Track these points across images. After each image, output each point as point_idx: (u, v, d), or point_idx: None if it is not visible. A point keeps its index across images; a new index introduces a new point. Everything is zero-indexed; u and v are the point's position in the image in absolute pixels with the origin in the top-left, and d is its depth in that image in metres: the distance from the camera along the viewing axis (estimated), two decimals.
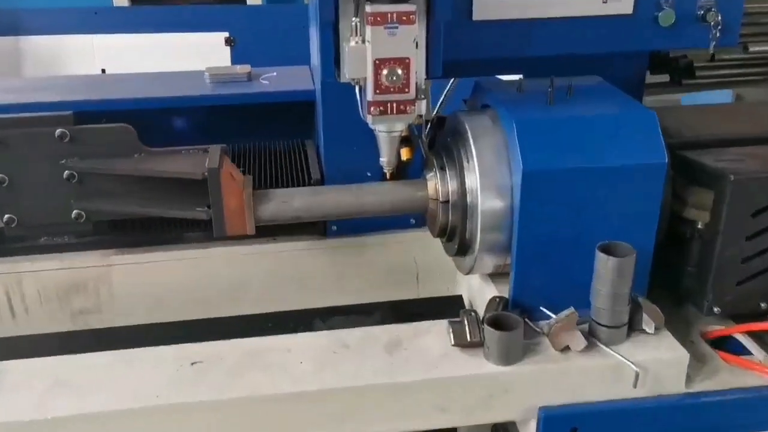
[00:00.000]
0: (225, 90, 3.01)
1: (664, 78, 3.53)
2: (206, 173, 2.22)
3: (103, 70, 6.51)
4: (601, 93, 2.40)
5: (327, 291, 2.80)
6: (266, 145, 3.06)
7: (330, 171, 2.74)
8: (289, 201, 2.34)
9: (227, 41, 6.46)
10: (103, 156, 2.36)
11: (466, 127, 2.30)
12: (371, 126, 2.22)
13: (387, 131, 2.26)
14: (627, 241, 2.12)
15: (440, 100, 2.85)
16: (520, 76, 3.03)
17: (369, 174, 2.72)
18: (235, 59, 6.18)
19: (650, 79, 3.26)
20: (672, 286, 2.41)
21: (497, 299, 2.24)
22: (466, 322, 2.13)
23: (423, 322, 2.28)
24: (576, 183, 2.13)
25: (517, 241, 2.18)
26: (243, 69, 3.14)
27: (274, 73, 3.17)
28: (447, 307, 2.71)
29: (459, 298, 2.77)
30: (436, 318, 2.32)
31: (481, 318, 2.15)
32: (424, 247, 2.80)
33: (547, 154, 2.13)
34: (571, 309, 2.13)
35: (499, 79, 2.58)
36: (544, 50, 2.57)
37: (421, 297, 2.84)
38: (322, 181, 2.73)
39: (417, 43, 2.09)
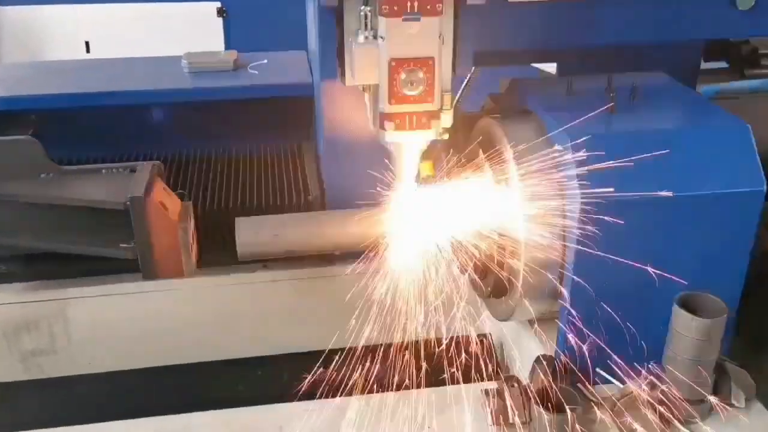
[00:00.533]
0: (206, 82, 2.53)
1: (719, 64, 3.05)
2: (128, 202, 1.74)
3: (87, 44, 6.05)
4: (674, 96, 1.92)
5: (330, 328, 2.34)
6: (254, 150, 2.58)
7: (332, 186, 2.26)
8: (260, 233, 1.85)
9: (219, 12, 5.94)
10: (2, 177, 1.88)
11: (504, 139, 1.82)
12: (384, 144, 1.75)
13: (404, 150, 1.78)
14: (710, 289, 1.66)
15: (457, 95, 2.36)
16: (553, 65, 2.59)
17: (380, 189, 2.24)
18: (228, 32, 5.61)
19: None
20: (756, 335, 1.95)
21: (544, 360, 1.78)
22: (508, 395, 1.67)
23: (449, 388, 1.82)
24: (648, 215, 1.66)
25: (571, 283, 1.71)
26: (228, 56, 2.64)
27: (265, 61, 2.67)
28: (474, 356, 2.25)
29: (486, 339, 2.31)
30: (462, 372, 1.88)
31: (526, 389, 1.69)
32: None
33: (612, 178, 1.65)
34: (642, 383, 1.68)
35: (541, 76, 2.08)
36: (596, 38, 2.09)
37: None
38: (321, 198, 2.25)
39: (443, 38, 1.60)
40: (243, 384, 2.18)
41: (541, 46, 2.19)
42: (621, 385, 1.78)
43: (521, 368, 2.16)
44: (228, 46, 4.13)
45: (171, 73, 2.56)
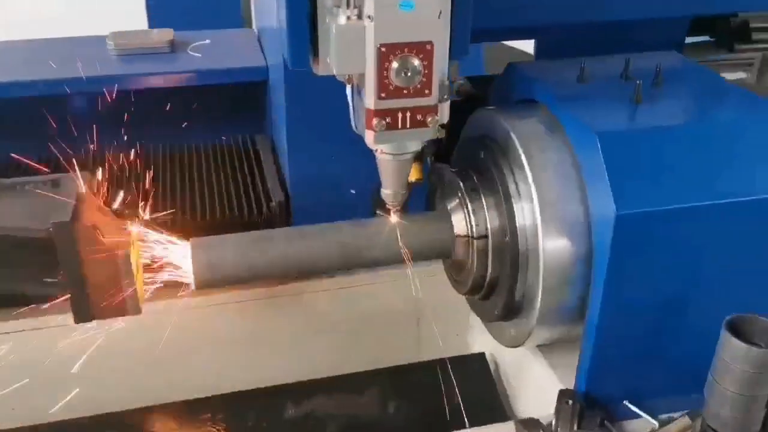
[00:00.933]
0: (137, 67, 2.14)
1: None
2: (51, 229, 1.38)
3: None
4: (699, 81, 1.65)
5: (296, 356, 2.02)
6: (200, 147, 2.20)
7: (298, 188, 1.92)
8: (222, 261, 1.51)
9: None
10: None
11: (512, 135, 1.53)
12: (371, 146, 1.43)
13: (395, 153, 1.47)
14: (762, 311, 1.42)
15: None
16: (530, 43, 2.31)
17: (353, 191, 1.93)
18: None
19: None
20: None
21: (569, 399, 1.51)
22: None
23: None
24: (692, 228, 1.40)
25: (601, 307, 1.45)
26: (163, 35, 2.25)
27: (207, 41, 2.29)
28: (472, 379, 1.98)
29: (482, 361, 2.04)
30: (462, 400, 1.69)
31: None
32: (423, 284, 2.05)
33: (650, 185, 1.39)
34: (685, 419, 1.43)
35: (544, 61, 1.78)
36: (583, 15, 1.81)
37: (426, 356, 2.09)
38: (286, 204, 1.91)
39: (441, 12, 1.30)
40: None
41: (523, 24, 1.90)
42: (653, 421, 1.54)
43: (522, 396, 1.92)
44: (151, 22, 3.65)
45: (95, 57, 2.15)
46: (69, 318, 1.75)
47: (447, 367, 2.05)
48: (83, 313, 1.46)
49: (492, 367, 2.05)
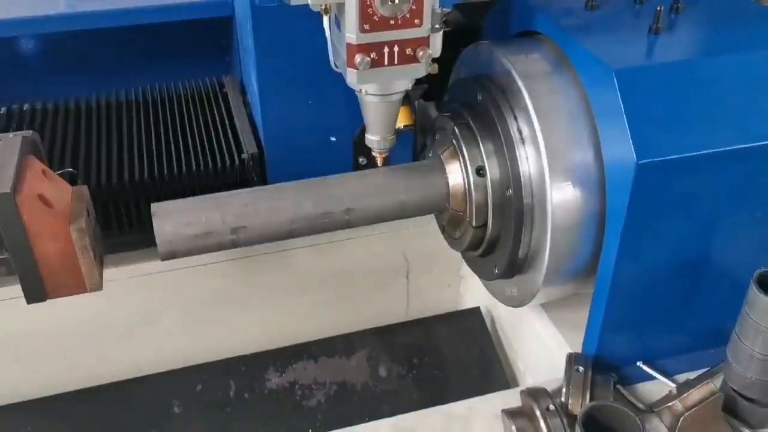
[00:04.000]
0: (88, 4, 1.89)
1: None
2: None
3: None
4: (724, 5, 1.46)
5: (280, 318, 1.87)
6: (160, 91, 1.98)
7: (272, 137, 1.72)
8: (193, 226, 1.32)
9: None
10: None
11: (514, 74, 1.35)
12: (354, 87, 1.25)
13: (382, 94, 1.29)
14: None
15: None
16: None
17: (333, 139, 1.74)
18: None
19: None
20: None
21: (578, 365, 1.38)
22: (540, 418, 1.27)
23: (456, 405, 1.41)
24: (720, 176, 1.25)
25: (615, 264, 1.30)
26: None
27: None
28: (467, 336, 1.85)
29: (477, 316, 1.90)
30: (461, 360, 1.63)
31: (561, 407, 1.29)
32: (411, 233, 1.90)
33: (673, 129, 1.22)
34: (710, 385, 1.31)
35: None
36: None
37: (417, 313, 1.95)
38: (260, 156, 1.72)
39: None
40: (179, 402, 1.70)
41: None
42: (670, 383, 1.42)
43: (521, 353, 1.79)
44: None
45: None
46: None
47: (440, 324, 1.92)
48: (35, 293, 1.29)
49: (488, 321, 1.93)
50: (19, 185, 1.20)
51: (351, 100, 1.39)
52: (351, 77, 1.22)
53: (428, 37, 1.22)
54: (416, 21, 1.18)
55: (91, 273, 1.30)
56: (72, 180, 1.37)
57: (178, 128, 1.82)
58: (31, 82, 1.99)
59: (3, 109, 1.86)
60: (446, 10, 1.75)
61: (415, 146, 1.79)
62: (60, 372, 1.74)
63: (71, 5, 1.87)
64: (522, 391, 1.35)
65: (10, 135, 1.31)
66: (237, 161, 1.70)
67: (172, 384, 1.72)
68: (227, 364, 1.76)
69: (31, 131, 1.34)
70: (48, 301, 1.58)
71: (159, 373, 1.75)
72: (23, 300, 1.54)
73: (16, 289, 1.61)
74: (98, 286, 1.33)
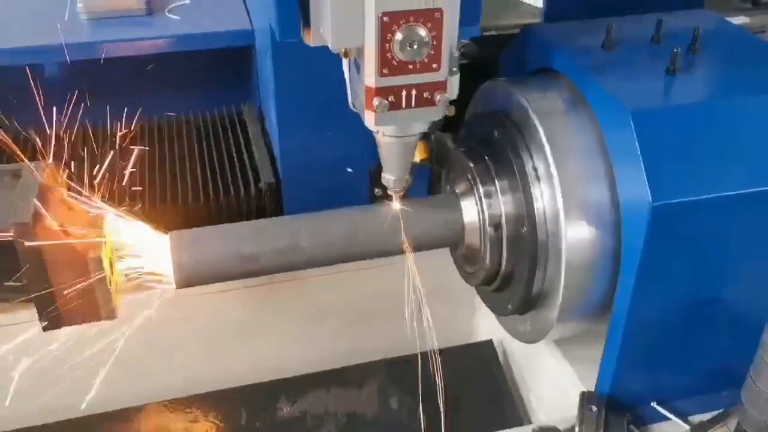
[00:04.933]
0: (111, 33, 1.93)
1: None
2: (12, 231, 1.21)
3: None
4: (741, 47, 1.47)
5: (293, 347, 1.87)
6: (178, 119, 2.01)
7: (289, 167, 1.74)
8: (205, 259, 1.34)
9: None
10: None
11: (530, 111, 1.36)
12: (372, 128, 1.26)
13: (398, 135, 1.30)
14: None
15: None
16: None
17: (350, 170, 1.76)
18: None
19: None
20: None
21: (591, 404, 1.37)
22: None
23: None
24: (735, 219, 1.24)
25: (630, 304, 1.30)
26: None
27: (187, 1, 2.08)
28: (479, 370, 1.84)
29: (490, 348, 1.90)
30: (473, 393, 1.64)
31: None
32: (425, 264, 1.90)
33: (689, 170, 1.22)
34: (724, 428, 1.30)
35: (564, 23, 1.59)
36: None
37: (429, 344, 1.94)
38: (277, 185, 1.74)
39: None
40: (190, 429, 1.71)
41: None
42: (684, 425, 1.41)
43: (533, 389, 1.78)
44: None
45: (62, 21, 1.94)
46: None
47: (453, 356, 1.91)
48: (51, 321, 1.30)
49: (501, 354, 1.92)
50: (38, 215, 1.22)
51: (368, 132, 1.40)
52: (369, 119, 1.23)
53: (446, 80, 1.23)
54: (434, 65, 1.19)
55: (107, 302, 1.32)
56: (92, 209, 1.39)
57: (196, 156, 1.85)
58: (49, 108, 2.02)
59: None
60: (463, 41, 1.78)
61: (431, 178, 1.80)
62: (69, 397, 1.75)
63: (95, 34, 1.90)
64: (534, 429, 1.35)
65: (31, 164, 1.33)
66: (254, 190, 1.71)
67: (182, 412, 1.72)
68: (239, 392, 1.77)
69: (52, 160, 1.36)
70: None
71: (170, 399, 1.75)
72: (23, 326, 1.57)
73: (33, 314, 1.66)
74: (113, 315, 1.34)
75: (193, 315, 1.79)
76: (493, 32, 2.48)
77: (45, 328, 1.31)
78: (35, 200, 1.23)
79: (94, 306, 1.32)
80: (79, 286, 1.27)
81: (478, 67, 1.75)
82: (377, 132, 1.30)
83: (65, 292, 1.27)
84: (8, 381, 1.71)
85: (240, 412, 1.73)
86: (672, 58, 1.31)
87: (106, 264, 1.30)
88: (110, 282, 1.32)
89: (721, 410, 1.45)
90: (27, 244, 1.20)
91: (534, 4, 2.71)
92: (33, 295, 1.27)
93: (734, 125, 1.24)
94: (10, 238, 1.21)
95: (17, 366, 1.71)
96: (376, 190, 1.78)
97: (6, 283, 1.29)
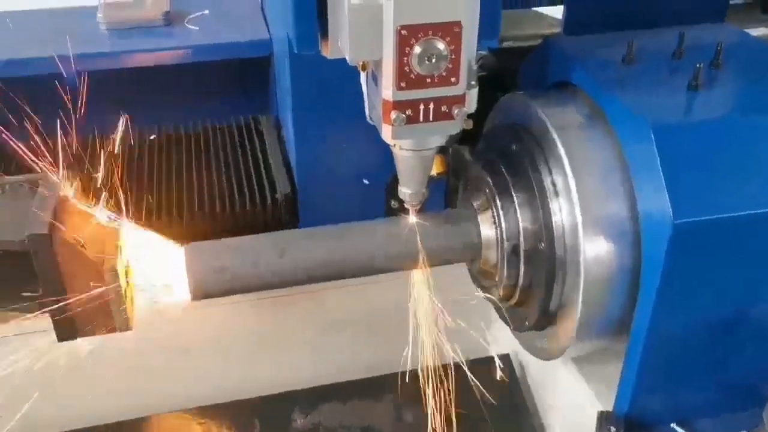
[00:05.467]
0: (129, 44, 1.94)
1: None
2: (27, 241, 1.21)
3: None
4: (764, 60, 1.44)
5: (308, 359, 1.87)
6: (196, 129, 2.01)
7: (305, 179, 1.74)
8: (225, 269, 1.34)
9: None
10: None
11: (548, 125, 1.34)
12: (389, 142, 1.25)
13: (415, 149, 1.29)
14: None
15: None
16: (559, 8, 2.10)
17: (366, 182, 1.75)
18: None
19: None
20: None
21: (609, 424, 1.35)
22: None
23: None
24: (759, 237, 1.22)
25: (650, 323, 1.28)
26: (157, 6, 2.05)
27: (206, 11, 2.09)
28: (493, 383, 1.81)
29: (506, 363, 1.88)
30: (489, 408, 1.59)
31: None
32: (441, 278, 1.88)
33: (712, 188, 1.20)
34: None
35: (585, 37, 1.57)
36: None
37: (446, 358, 1.92)
38: (293, 196, 1.74)
39: None
40: None
41: None
42: None
43: (549, 404, 1.76)
44: None
45: (83, 32, 1.96)
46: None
47: (469, 370, 1.90)
48: (66, 331, 1.31)
49: (518, 369, 1.90)
50: (55, 225, 1.22)
51: (385, 144, 1.39)
52: (386, 133, 1.22)
53: (464, 94, 1.21)
54: (452, 79, 1.17)
55: (122, 313, 1.32)
56: (108, 219, 1.39)
57: (213, 166, 1.85)
58: (68, 117, 2.03)
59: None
60: (481, 52, 1.77)
61: (447, 191, 1.79)
62: (85, 406, 1.76)
63: (116, 45, 1.92)
64: None
65: (50, 173, 1.34)
66: (270, 201, 1.71)
67: (197, 423, 1.72)
68: (254, 404, 1.76)
69: (70, 170, 1.37)
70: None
71: (185, 410, 1.75)
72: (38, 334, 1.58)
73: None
74: (128, 327, 1.34)
75: (208, 326, 1.79)
76: (511, 43, 2.47)
77: (60, 339, 1.31)
78: (52, 211, 1.24)
79: (108, 318, 1.32)
80: (94, 297, 1.28)
81: (497, 79, 1.74)
82: (394, 145, 1.29)
83: (80, 303, 1.28)
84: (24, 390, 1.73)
85: (254, 423, 1.72)
86: (695, 73, 1.30)
87: (121, 276, 1.30)
88: (125, 294, 1.32)
89: (743, 431, 1.42)
90: (43, 254, 1.21)
91: (553, 15, 2.70)
92: (49, 306, 1.27)
93: (757, 142, 1.21)
94: (27, 249, 1.21)
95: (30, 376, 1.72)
96: (393, 202, 1.77)
97: (22, 294, 1.30)
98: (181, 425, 1.73)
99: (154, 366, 1.78)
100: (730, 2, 2.11)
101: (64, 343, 1.45)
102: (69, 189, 1.34)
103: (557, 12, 2.30)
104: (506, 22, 3.03)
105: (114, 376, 1.76)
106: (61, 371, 1.72)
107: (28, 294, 1.29)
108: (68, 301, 1.26)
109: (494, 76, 1.78)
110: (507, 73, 1.76)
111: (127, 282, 1.33)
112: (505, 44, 2.62)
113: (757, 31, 2.50)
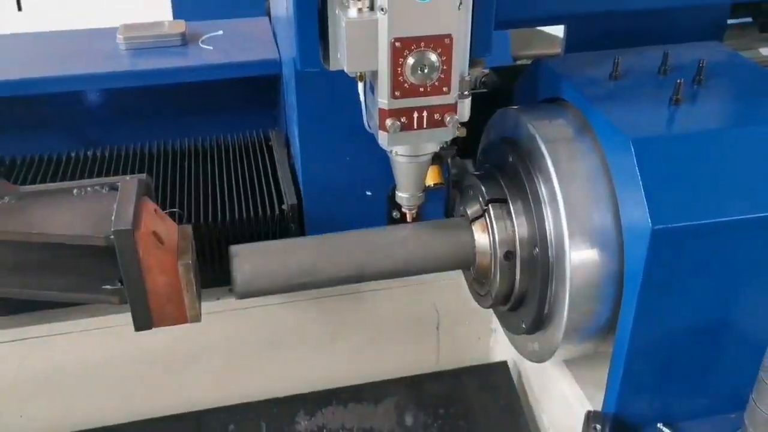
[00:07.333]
0: (148, 62, 2.05)
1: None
2: (112, 237, 1.31)
3: (18, 0, 5.44)
4: (746, 78, 1.52)
5: (312, 364, 1.94)
6: (209, 143, 2.11)
7: (311, 190, 1.82)
8: (261, 267, 1.44)
9: None
10: None
11: (538, 139, 1.42)
12: (385, 147, 1.34)
13: (411, 155, 1.37)
14: None
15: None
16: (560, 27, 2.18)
17: (369, 193, 1.83)
18: None
19: None
20: None
21: (595, 423, 1.41)
22: None
23: None
24: (734, 244, 1.28)
25: (633, 325, 1.34)
26: (174, 27, 2.15)
27: (220, 32, 2.20)
28: (494, 389, 1.89)
29: (505, 369, 1.94)
30: (487, 413, 1.68)
31: None
32: (443, 287, 1.95)
33: (688, 196, 1.27)
34: None
35: (574, 55, 1.66)
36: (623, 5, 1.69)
37: (446, 364, 2.00)
38: (299, 206, 1.82)
39: (461, 3, 1.21)
40: None
41: (553, 13, 1.77)
42: None
43: (546, 409, 1.81)
44: (176, 11, 3.53)
45: (104, 52, 2.07)
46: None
47: (468, 376, 1.96)
48: (143, 321, 1.39)
49: (515, 375, 1.95)
50: (136, 223, 1.32)
51: (386, 158, 1.47)
52: (382, 139, 1.31)
53: (455, 103, 1.29)
54: (444, 89, 1.26)
55: (193, 305, 1.40)
56: (177, 219, 1.49)
57: (224, 178, 1.94)
58: (90, 132, 2.15)
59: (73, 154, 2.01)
60: (484, 71, 1.84)
61: (447, 203, 1.86)
62: (93, 409, 1.84)
63: (133, 64, 2.02)
64: None
65: (128, 177, 1.45)
66: (277, 211, 1.80)
67: (206, 422, 1.80)
68: (259, 406, 1.83)
69: (145, 174, 1.47)
70: (84, 336, 1.71)
71: (194, 411, 1.83)
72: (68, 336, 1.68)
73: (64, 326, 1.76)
74: (197, 318, 1.43)
75: (217, 332, 1.87)
76: (524, 61, 2.55)
77: (138, 329, 1.39)
78: (133, 210, 1.34)
79: (181, 310, 1.40)
80: (169, 289, 1.37)
81: (497, 96, 1.82)
82: (391, 152, 1.38)
83: (157, 295, 1.36)
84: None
85: (260, 425, 1.79)
86: (675, 89, 1.37)
87: (193, 270, 1.39)
88: (195, 288, 1.40)
89: None
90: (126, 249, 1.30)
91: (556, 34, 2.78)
92: (129, 298, 1.36)
93: (733, 154, 1.28)
94: (111, 244, 1.31)
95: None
96: (395, 212, 1.85)
97: (104, 287, 1.39)
98: (188, 427, 1.80)
99: (162, 371, 1.86)
100: (728, 22, 2.20)
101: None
102: (145, 192, 1.44)
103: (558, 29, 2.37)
104: (518, 41, 3.12)
105: (120, 379, 1.84)
106: (76, 373, 1.83)
107: (108, 287, 1.39)
108: (147, 293, 1.35)
109: (494, 93, 1.86)
110: (505, 90, 1.84)
111: (196, 277, 1.41)
112: (519, 62, 2.71)
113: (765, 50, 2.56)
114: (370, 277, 1.52)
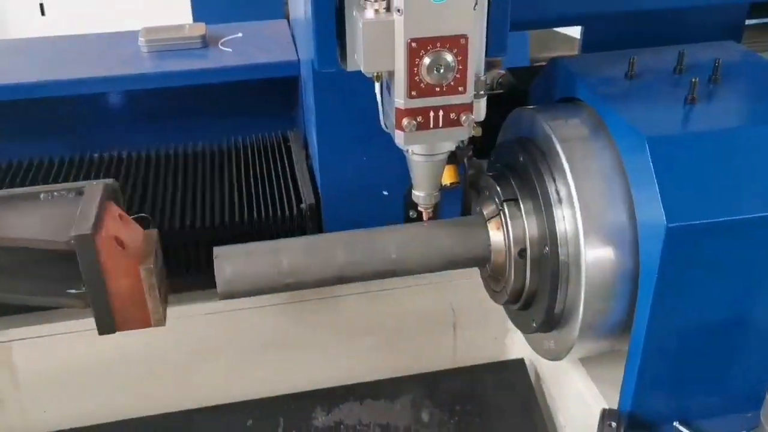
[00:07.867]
0: (168, 64, 2.09)
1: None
2: (73, 241, 1.34)
3: (42, 6, 5.52)
4: (762, 77, 1.51)
5: (330, 360, 1.96)
6: (229, 144, 2.15)
7: (328, 190, 1.85)
8: (246, 273, 1.45)
9: None
10: None
11: (553, 138, 1.43)
12: (402, 146, 1.35)
13: (427, 154, 1.39)
14: None
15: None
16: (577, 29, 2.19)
17: (386, 193, 1.85)
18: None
19: None
20: None
21: (611, 420, 1.42)
22: None
23: None
24: (748, 241, 1.29)
25: (648, 324, 1.35)
26: (194, 30, 2.19)
27: (239, 34, 2.23)
28: (510, 387, 1.90)
29: (521, 367, 1.95)
30: (503, 410, 1.70)
31: None
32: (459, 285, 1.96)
33: (703, 194, 1.27)
34: None
35: (590, 55, 1.67)
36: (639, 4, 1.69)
37: (462, 363, 2.01)
38: (317, 207, 1.85)
39: (476, 3, 1.22)
40: None
41: (570, 14, 1.78)
42: None
43: (562, 406, 1.82)
44: (195, 14, 3.58)
45: (126, 54, 2.11)
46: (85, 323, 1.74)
47: (484, 373, 1.97)
48: (106, 325, 1.43)
49: (531, 373, 1.96)
50: (97, 227, 1.35)
51: (403, 157, 1.49)
52: (398, 138, 1.32)
53: (471, 103, 1.31)
54: (460, 88, 1.27)
55: (156, 309, 1.43)
56: (146, 224, 1.52)
57: (243, 179, 1.97)
58: (114, 133, 2.19)
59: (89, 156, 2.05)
60: (501, 72, 1.86)
61: (464, 203, 1.88)
62: (116, 401, 1.88)
63: (155, 66, 2.06)
64: None
65: (94, 182, 1.47)
66: (296, 211, 1.82)
67: (225, 418, 1.83)
68: (277, 402, 1.86)
69: (112, 179, 1.50)
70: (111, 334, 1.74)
71: (212, 406, 1.86)
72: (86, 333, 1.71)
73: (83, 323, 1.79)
74: (161, 322, 1.46)
75: (235, 329, 1.90)
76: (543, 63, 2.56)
77: (101, 332, 1.43)
78: (95, 215, 1.37)
79: (145, 313, 1.43)
80: (132, 293, 1.40)
81: (513, 97, 1.83)
82: (407, 151, 1.40)
83: (119, 299, 1.40)
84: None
85: (278, 421, 1.82)
86: (691, 88, 1.37)
87: (156, 274, 1.42)
88: (160, 291, 1.44)
89: None
90: (86, 253, 1.33)
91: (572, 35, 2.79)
92: (92, 302, 1.39)
93: (748, 152, 1.28)
94: (72, 249, 1.34)
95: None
96: (411, 212, 1.86)
97: (68, 291, 1.42)
98: (207, 420, 1.83)
99: (180, 365, 1.89)
100: (746, 23, 2.19)
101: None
102: (112, 197, 1.47)
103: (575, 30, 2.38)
104: (537, 44, 3.11)
105: (140, 373, 1.88)
106: (87, 369, 1.86)
107: (73, 291, 1.42)
108: (109, 298, 1.38)
109: (510, 94, 1.87)
110: (521, 91, 1.85)
111: (161, 280, 1.44)
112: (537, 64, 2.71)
113: None
114: (353, 278, 1.50)
